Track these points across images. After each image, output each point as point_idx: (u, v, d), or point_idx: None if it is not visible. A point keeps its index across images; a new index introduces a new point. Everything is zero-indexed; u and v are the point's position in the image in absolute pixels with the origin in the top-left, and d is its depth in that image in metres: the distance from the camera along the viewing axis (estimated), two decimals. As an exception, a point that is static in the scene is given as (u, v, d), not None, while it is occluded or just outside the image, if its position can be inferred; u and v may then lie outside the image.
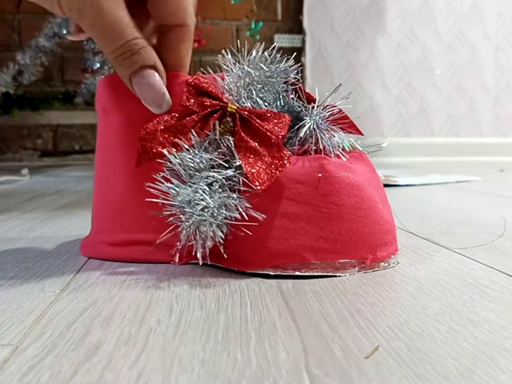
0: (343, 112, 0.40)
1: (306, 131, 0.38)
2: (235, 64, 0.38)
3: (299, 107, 0.39)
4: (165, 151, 0.35)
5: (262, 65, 0.38)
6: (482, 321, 0.27)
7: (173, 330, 0.26)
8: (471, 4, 1.92)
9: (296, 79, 0.40)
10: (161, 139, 0.36)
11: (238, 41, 0.38)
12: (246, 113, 0.36)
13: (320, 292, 0.32)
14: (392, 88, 1.90)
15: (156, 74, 0.36)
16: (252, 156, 0.35)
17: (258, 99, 0.38)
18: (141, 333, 0.26)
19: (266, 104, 0.38)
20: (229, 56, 0.38)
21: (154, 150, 0.36)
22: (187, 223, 0.34)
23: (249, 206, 0.35)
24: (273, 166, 0.35)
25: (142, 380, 0.21)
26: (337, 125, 0.40)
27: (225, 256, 0.36)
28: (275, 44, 0.39)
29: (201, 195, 0.34)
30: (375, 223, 0.37)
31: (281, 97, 0.39)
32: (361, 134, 0.42)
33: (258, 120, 0.36)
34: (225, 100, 0.37)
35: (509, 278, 0.35)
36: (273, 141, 0.36)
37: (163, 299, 0.31)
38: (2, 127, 1.76)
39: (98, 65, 1.26)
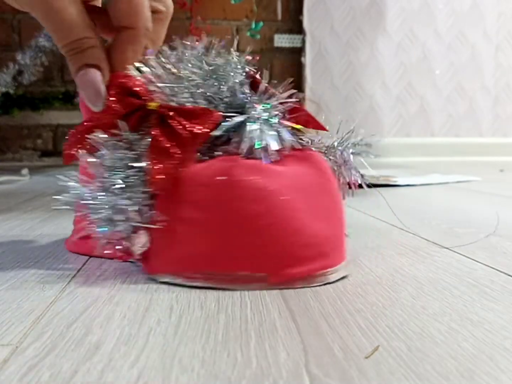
0: (298, 106, 0.37)
1: (230, 129, 0.35)
2: (167, 61, 0.37)
3: (246, 102, 0.36)
4: (81, 151, 0.36)
5: (199, 60, 0.37)
6: (482, 321, 0.27)
7: (173, 330, 0.26)
8: (471, 4, 1.92)
9: (254, 71, 0.38)
10: (84, 140, 0.36)
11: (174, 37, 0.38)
12: (167, 111, 0.35)
13: (320, 292, 0.32)
14: (392, 88, 1.90)
15: (98, 73, 0.36)
16: (161, 156, 0.34)
17: (196, 96, 0.36)
18: (141, 333, 0.26)
19: (206, 100, 0.36)
20: (153, 55, 0.38)
21: (75, 150, 0.36)
22: (87, 221, 0.35)
23: (145, 208, 0.34)
24: (179, 166, 0.34)
25: (142, 380, 0.21)
26: (291, 121, 0.37)
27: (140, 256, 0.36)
28: (211, 38, 0.38)
29: (98, 195, 0.34)
30: (288, 235, 0.33)
31: (227, 91, 0.36)
32: (324, 129, 0.40)
33: (178, 119, 0.34)
34: (154, 99, 0.35)
35: (509, 278, 0.35)
36: (186, 140, 0.34)
37: (163, 299, 0.31)
38: (2, 127, 1.76)
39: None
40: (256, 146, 0.34)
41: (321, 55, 1.85)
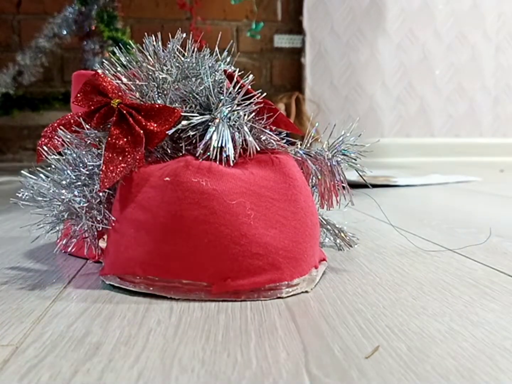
0: (272, 107, 0.36)
1: (185, 130, 0.34)
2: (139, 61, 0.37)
3: (217, 101, 0.34)
4: (45, 148, 0.36)
5: (175, 60, 0.36)
6: (482, 321, 0.27)
7: (173, 331, 0.26)
8: (471, 4, 1.92)
9: (232, 70, 0.37)
10: (55, 138, 0.36)
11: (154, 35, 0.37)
12: (127, 108, 0.34)
13: (320, 292, 0.32)
14: (392, 88, 1.89)
15: None
16: (116, 154, 0.33)
17: (169, 95, 0.35)
18: (141, 333, 0.26)
19: (181, 99, 0.35)
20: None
21: (43, 148, 0.36)
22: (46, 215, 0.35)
23: (98, 207, 0.34)
24: (133, 166, 0.33)
25: (142, 380, 0.21)
26: (263, 122, 0.35)
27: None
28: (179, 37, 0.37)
29: (51, 191, 0.34)
30: (231, 243, 0.31)
31: (201, 90, 0.35)
32: (298, 131, 0.38)
33: (137, 117, 0.33)
34: (122, 97, 0.35)
35: (509, 278, 0.35)
36: (140, 139, 0.33)
37: (163, 299, 0.31)
38: (2, 128, 1.76)
39: (97, 65, 1.26)
40: (212, 147, 0.33)
41: (321, 55, 1.85)
